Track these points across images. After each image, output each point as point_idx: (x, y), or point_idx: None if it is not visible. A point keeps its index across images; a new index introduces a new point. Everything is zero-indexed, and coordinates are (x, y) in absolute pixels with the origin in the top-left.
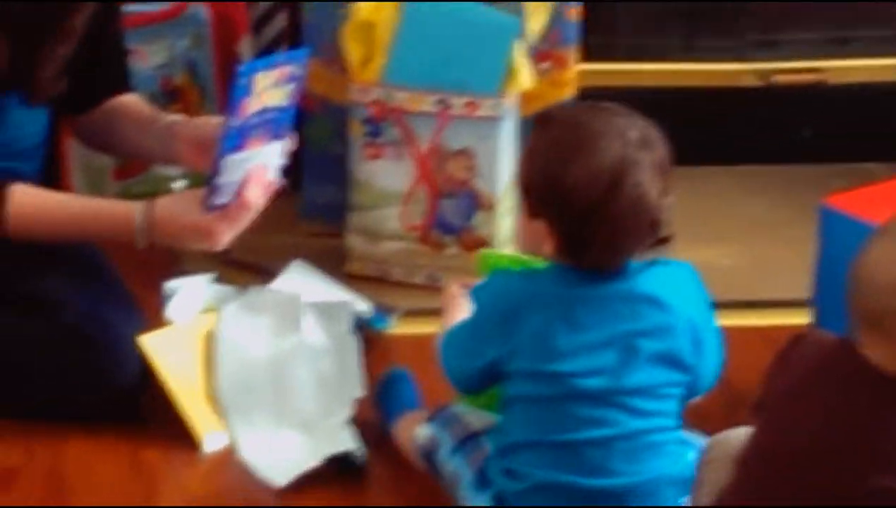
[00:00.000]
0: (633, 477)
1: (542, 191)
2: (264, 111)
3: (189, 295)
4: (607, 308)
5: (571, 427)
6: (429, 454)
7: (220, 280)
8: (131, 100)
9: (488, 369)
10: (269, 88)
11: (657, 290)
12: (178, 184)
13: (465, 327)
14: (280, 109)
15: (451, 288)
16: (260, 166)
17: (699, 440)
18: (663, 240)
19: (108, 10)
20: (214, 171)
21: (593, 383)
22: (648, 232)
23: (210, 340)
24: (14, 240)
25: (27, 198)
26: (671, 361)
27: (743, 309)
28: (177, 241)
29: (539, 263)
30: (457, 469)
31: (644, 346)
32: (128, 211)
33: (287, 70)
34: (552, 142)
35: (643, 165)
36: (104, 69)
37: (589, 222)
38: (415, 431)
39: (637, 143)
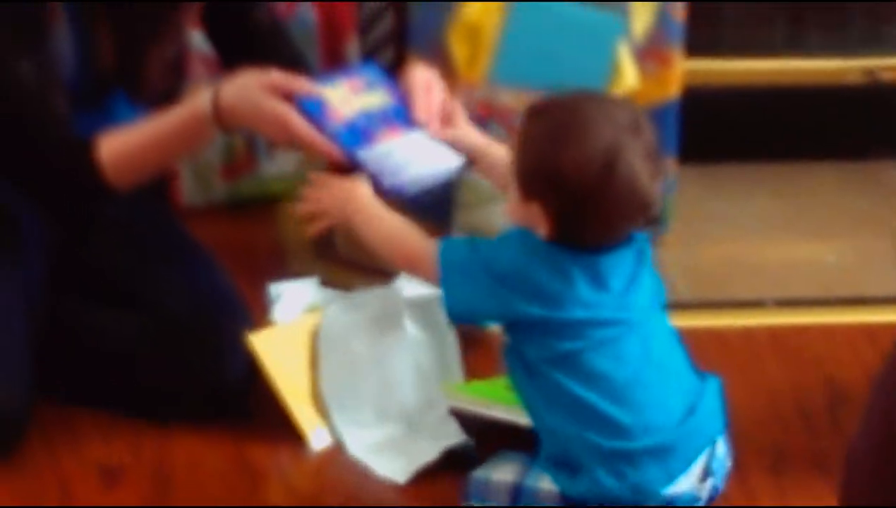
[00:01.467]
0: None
1: (537, 174)
2: (367, 112)
3: (294, 299)
4: (617, 262)
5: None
6: None
7: (325, 283)
8: None
9: (509, 316)
10: (353, 96)
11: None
12: None
13: (483, 265)
14: (393, 107)
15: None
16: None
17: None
18: (653, 222)
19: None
20: (359, 168)
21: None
22: (641, 213)
23: (314, 339)
24: (116, 188)
25: (109, 143)
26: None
27: (847, 306)
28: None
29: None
30: None
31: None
32: (195, 108)
33: (358, 81)
34: (546, 127)
35: (634, 149)
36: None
37: (583, 203)
38: None
39: (628, 128)
